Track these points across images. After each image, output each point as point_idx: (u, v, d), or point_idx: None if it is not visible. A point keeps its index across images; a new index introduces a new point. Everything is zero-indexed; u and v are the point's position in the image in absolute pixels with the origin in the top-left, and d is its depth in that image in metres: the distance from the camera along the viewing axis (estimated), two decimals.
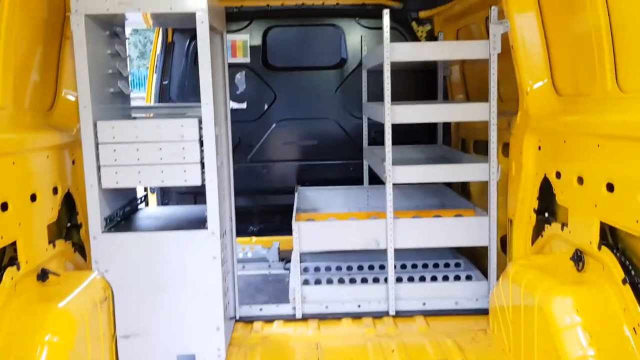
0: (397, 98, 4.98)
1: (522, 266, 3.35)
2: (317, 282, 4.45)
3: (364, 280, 4.42)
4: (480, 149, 5.03)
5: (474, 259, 4.72)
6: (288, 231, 5.45)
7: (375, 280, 4.40)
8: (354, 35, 5.48)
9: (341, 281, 4.44)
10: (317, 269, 4.73)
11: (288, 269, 4.81)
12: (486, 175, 3.95)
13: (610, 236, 2.91)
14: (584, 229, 3.02)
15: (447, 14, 5.07)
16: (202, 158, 3.28)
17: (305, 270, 4.65)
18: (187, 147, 3.26)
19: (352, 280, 4.42)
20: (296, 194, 5.14)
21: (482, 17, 4.51)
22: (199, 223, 3.41)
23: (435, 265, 4.79)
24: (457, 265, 4.77)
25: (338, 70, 5.56)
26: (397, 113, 3.86)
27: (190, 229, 3.39)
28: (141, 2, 3.12)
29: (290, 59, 5.51)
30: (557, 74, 3.49)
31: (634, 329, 2.60)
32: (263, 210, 5.67)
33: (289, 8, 5.35)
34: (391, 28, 5.39)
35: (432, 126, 5.40)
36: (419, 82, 5.46)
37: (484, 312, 4.03)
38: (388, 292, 4.03)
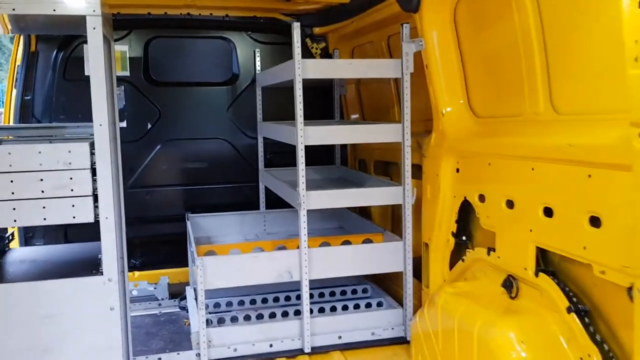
0: (291, 117, 4.75)
1: (451, 295, 3.19)
2: (221, 321, 4.00)
3: (273, 316, 4.05)
4: (380, 170, 4.91)
5: (377, 282, 4.55)
6: (176, 263, 4.98)
7: (285, 314, 4.05)
8: (246, 50, 5.12)
9: (247, 318, 4.03)
10: (217, 305, 4.27)
11: (184, 307, 4.29)
12: (401, 198, 3.79)
13: (542, 262, 2.86)
14: (516, 255, 2.94)
15: (343, 32, 4.90)
16: (95, 189, 2.73)
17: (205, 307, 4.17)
18: (77, 177, 2.70)
19: (260, 317, 4.04)
20: (188, 222, 4.65)
21: (384, 35, 4.40)
22: (90, 267, 2.85)
23: (343, 293, 4.56)
24: (365, 291, 4.58)
25: (229, 87, 5.15)
26: (310, 134, 3.57)
27: (79, 275, 2.81)
28: (17, 2, 2.53)
29: (175, 73, 5.01)
30: (474, 95, 3.43)
31: (581, 358, 2.53)
32: (146, 241, 5.06)
33: (173, 17, 4.86)
34: (285, 43, 5.23)
35: (328, 146, 5.19)
36: (314, 101, 5.21)
37: (401, 341, 3.88)
38: (303, 327, 3.70)
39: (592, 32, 2.40)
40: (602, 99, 2.42)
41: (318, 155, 5.09)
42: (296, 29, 3.47)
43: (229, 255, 3.71)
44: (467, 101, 3.47)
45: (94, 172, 2.73)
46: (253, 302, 4.35)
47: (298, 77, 3.49)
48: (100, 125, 2.70)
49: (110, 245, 2.75)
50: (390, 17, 4.04)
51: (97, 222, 2.76)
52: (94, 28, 2.63)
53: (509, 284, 3.01)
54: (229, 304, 4.31)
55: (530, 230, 2.83)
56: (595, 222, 2.42)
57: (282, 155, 5.09)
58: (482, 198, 3.27)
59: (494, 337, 2.72)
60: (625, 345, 2.45)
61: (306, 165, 4.68)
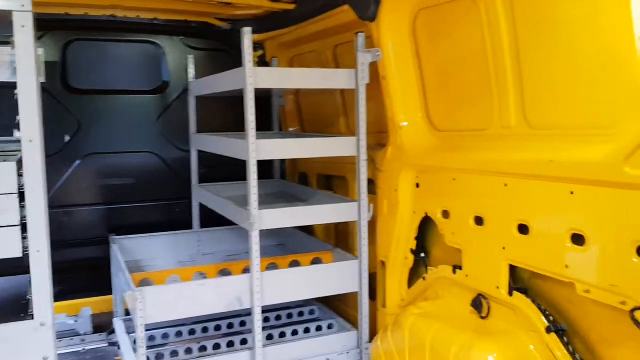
0: (227, 129, 4.44)
1: (418, 316, 3.03)
2: (160, 357, 3.60)
3: (217, 347, 3.70)
4: (322, 184, 4.71)
5: (324, 302, 4.33)
6: (98, 291, 4.48)
7: (231, 344, 3.72)
8: (178, 56, 4.74)
9: (189, 352, 3.65)
10: (151, 338, 3.86)
11: (114, 342, 3.85)
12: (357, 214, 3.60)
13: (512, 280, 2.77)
14: (487, 273, 2.83)
15: (283, 40, 4.66)
16: (23, 218, 2.31)
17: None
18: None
19: (203, 349, 3.67)
20: (113, 246, 4.20)
21: (330, 44, 4.20)
22: (16, 309, 2.41)
23: (289, 316, 4.29)
24: (312, 312, 4.34)
25: (159, 96, 4.73)
26: (263, 148, 3.29)
27: (4, 320, 2.36)
28: None
29: (98, 80, 4.52)
30: (434, 108, 3.31)
31: None
32: (64, 267, 4.48)
33: (95, 19, 4.40)
34: (220, 50, 4.91)
35: (267, 160, 4.92)
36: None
37: None
38: (254, 359, 3.39)
39: (576, 45, 2.32)
40: (583, 114, 2.35)
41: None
42: (247, 35, 3.19)
43: (172, 285, 3.35)
44: (426, 114, 3.34)
45: (21, 196, 2.31)
46: (192, 332, 3.98)
47: (250, 87, 3.21)
48: (31, 141, 2.29)
49: (43, 283, 2.33)
50: (339, 26, 3.85)
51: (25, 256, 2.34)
52: (23, 26, 2.23)
53: (479, 303, 2.90)
54: (165, 336, 3.91)
55: (503, 248, 2.73)
56: (578, 240, 2.35)
57: (217, 169, 4.76)
58: (446, 214, 3.15)
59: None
60: None
61: (245, 180, 4.40)
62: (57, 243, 4.39)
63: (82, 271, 4.62)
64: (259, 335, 3.37)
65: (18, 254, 2.31)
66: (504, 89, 2.70)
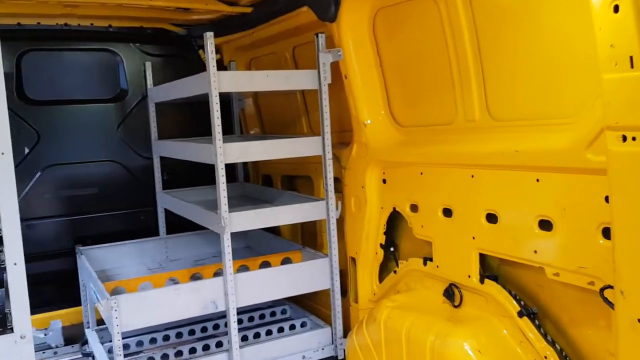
0: (188, 134, 4.43)
1: (393, 309, 3.11)
2: None
3: (193, 351, 3.70)
4: (286, 185, 4.76)
5: (295, 300, 4.38)
6: (67, 303, 4.39)
7: (206, 347, 3.73)
8: (135, 63, 4.69)
9: (165, 357, 3.64)
10: (126, 346, 3.82)
11: (88, 353, 3.79)
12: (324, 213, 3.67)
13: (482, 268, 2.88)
14: (458, 263, 2.94)
15: (239, 43, 4.68)
16: None
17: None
18: None
19: (179, 353, 3.67)
20: (81, 256, 4.14)
21: (289, 45, 4.26)
22: None
23: (262, 317, 4.32)
24: (284, 311, 4.38)
25: (118, 104, 4.68)
26: (229, 152, 3.32)
27: None
28: None
29: (55, 90, 4.43)
30: (396, 104, 3.41)
31: None
32: (30, 281, 4.40)
33: (48, 28, 4.32)
34: (176, 55, 4.89)
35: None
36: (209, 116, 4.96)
37: None
38: None
39: (537, 35, 2.44)
40: (545, 104, 2.48)
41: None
42: (209, 39, 3.21)
43: (147, 291, 3.33)
44: (389, 111, 3.44)
45: None
46: (166, 338, 3.96)
47: (214, 91, 3.23)
48: (3, 153, 2.26)
49: (22, 296, 2.31)
50: (297, 27, 3.91)
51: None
52: None
53: (451, 292, 3.01)
54: (140, 343, 3.88)
55: (473, 238, 2.84)
56: (545, 225, 2.48)
57: (180, 175, 4.75)
58: (414, 208, 3.25)
59: (449, 349, 2.68)
60: (575, 343, 2.53)
61: (208, 184, 4.40)
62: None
63: (49, 284, 4.52)
64: (235, 336, 3.40)
65: None
66: (466, 82, 2.82)
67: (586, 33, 2.06)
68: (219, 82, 3.25)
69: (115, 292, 3.50)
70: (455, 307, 2.98)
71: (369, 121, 3.49)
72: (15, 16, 4.17)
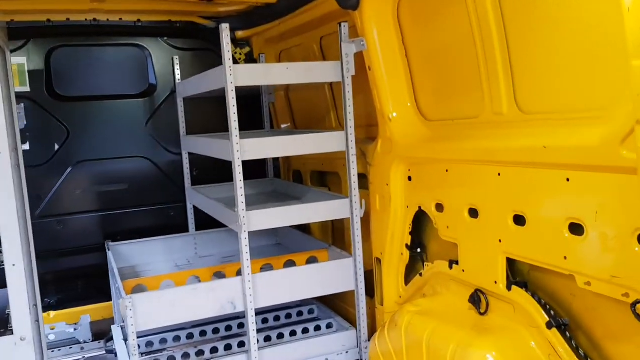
0: (217, 129, 4.35)
1: (414, 314, 2.93)
2: None
3: (215, 350, 3.63)
4: (316, 181, 4.62)
5: (323, 300, 4.25)
6: (98, 298, 4.44)
7: (228, 347, 3.65)
8: (164, 58, 4.65)
9: (186, 356, 3.59)
10: (149, 344, 3.80)
11: (111, 350, 3.79)
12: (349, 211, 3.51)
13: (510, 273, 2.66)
14: (484, 267, 2.73)
15: (269, 35, 4.57)
16: None
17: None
18: None
19: (200, 353, 3.60)
20: (109, 252, 4.14)
21: (316, 36, 4.11)
22: None
23: (288, 316, 4.21)
24: (311, 311, 4.26)
25: (147, 99, 4.66)
26: (247, 148, 3.20)
27: None
28: None
29: (84, 86, 4.45)
30: (423, 97, 3.21)
31: None
32: (62, 276, 4.49)
33: (77, 24, 4.33)
34: (206, 49, 4.82)
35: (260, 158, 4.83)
36: (241, 111, 4.84)
37: None
38: None
39: (568, 22, 2.20)
40: (576, 96, 2.24)
41: (248, 168, 4.71)
42: (225, 31, 3.10)
43: (163, 291, 3.27)
44: (415, 104, 3.24)
45: None
46: (190, 336, 3.92)
47: (230, 85, 3.12)
48: (1, 152, 2.21)
49: (21, 297, 2.27)
50: (322, 16, 3.76)
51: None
52: None
53: (477, 299, 2.80)
54: (163, 341, 3.85)
55: (500, 241, 2.62)
56: (576, 229, 2.24)
57: (210, 170, 4.68)
58: (440, 207, 3.05)
59: (474, 358, 2.48)
60: (610, 357, 2.29)
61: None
62: (53, 252, 4.41)
63: (81, 279, 4.59)
64: (253, 338, 3.30)
65: None
66: (494, 73, 2.59)
67: (618, 18, 1.83)
68: (235, 75, 3.14)
69: (136, 290, 3.47)
70: (481, 314, 2.77)
71: (394, 114, 3.30)
72: (45, 13, 4.19)
